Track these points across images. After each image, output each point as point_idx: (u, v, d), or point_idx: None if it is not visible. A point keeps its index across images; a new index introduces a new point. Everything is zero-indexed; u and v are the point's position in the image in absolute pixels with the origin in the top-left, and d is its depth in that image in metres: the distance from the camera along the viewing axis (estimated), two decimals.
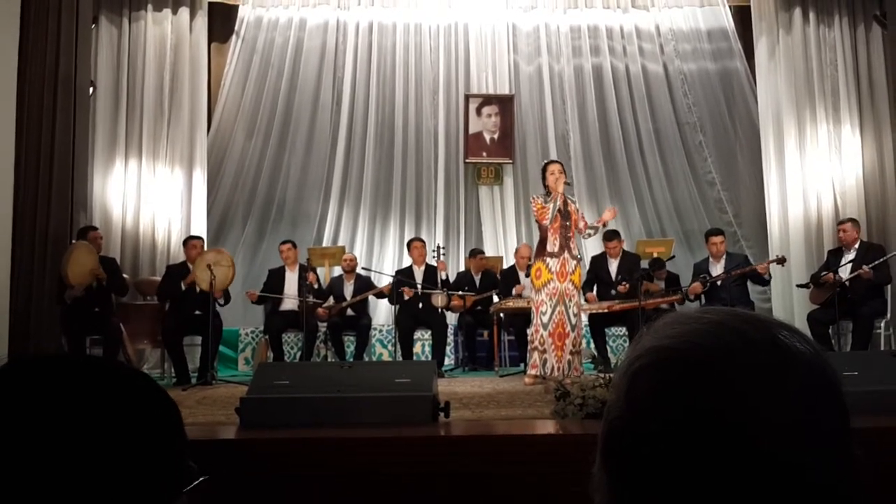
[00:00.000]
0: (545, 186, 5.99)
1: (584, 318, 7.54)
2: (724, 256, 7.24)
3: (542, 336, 5.82)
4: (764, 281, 7.25)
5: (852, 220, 7.10)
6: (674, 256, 7.91)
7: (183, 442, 0.73)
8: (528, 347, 6.02)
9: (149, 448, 0.69)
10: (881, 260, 6.56)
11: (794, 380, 0.61)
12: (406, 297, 7.53)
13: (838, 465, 0.60)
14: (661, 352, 0.64)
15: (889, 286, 6.70)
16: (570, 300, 5.85)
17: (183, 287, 6.87)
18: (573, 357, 5.80)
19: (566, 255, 5.86)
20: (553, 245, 5.89)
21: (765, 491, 0.57)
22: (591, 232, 6.20)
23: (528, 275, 6.80)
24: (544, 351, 5.80)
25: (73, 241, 6.68)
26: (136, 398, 0.71)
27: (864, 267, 6.44)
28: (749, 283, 7.23)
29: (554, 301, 5.81)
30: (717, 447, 0.58)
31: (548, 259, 5.87)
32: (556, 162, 6.22)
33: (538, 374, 5.79)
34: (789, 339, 0.63)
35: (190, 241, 7.27)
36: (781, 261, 7.25)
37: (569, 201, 6.02)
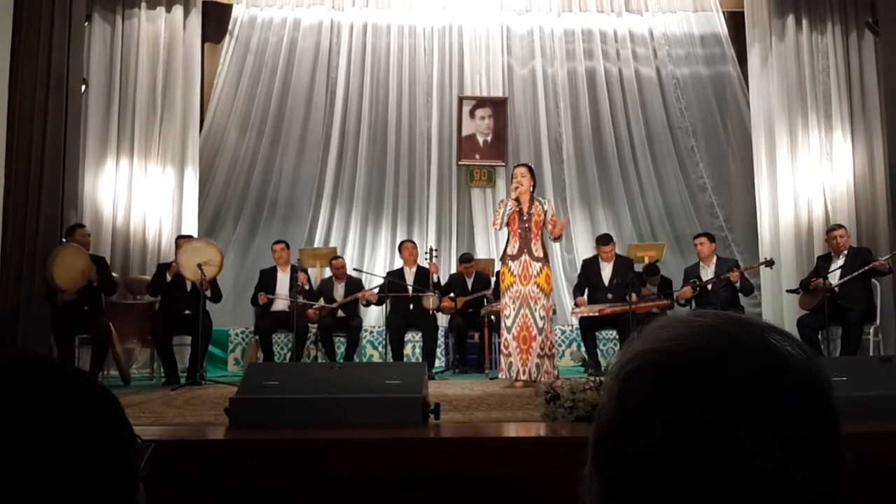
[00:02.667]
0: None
1: (575, 321, 7.53)
2: (715, 261, 7.26)
3: (506, 339, 5.84)
4: (748, 289, 7.24)
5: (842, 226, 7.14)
6: (658, 260, 7.96)
7: (129, 436, 0.71)
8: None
9: (95, 446, 0.66)
10: (888, 256, 6.61)
11: (786, 384, 0.61)
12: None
13: (829, 469, 0.60)
14: (653, 355, 0.64)
15: (878, 293, 6.73)
16: (536, 303, 5.81)
17: (168, 277, 6.82)
18: (542, 360, 5.77)
19: (526, 257, 5.86)
20: (512, 247, 5.91)
21: (755, 494, 0.57)
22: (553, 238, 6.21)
23: None
24: (509, 354, 5.82)
25: (59, 244, 6.60)
26: (77, 395, 0.68)
27: (881, 259, 6.52)
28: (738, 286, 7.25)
29: (517, 304, 5.82)
30: (708, 450, 0.58)
31: (509, 262, 5.91)
32: (521, 165, 6.21)
33: (504, 377, 5.85)
34: (781, 342, 0.63)
35: (182, 240, 7.24)
36: (770, 263, 7.27)
37: (536, 203, 6.00)
